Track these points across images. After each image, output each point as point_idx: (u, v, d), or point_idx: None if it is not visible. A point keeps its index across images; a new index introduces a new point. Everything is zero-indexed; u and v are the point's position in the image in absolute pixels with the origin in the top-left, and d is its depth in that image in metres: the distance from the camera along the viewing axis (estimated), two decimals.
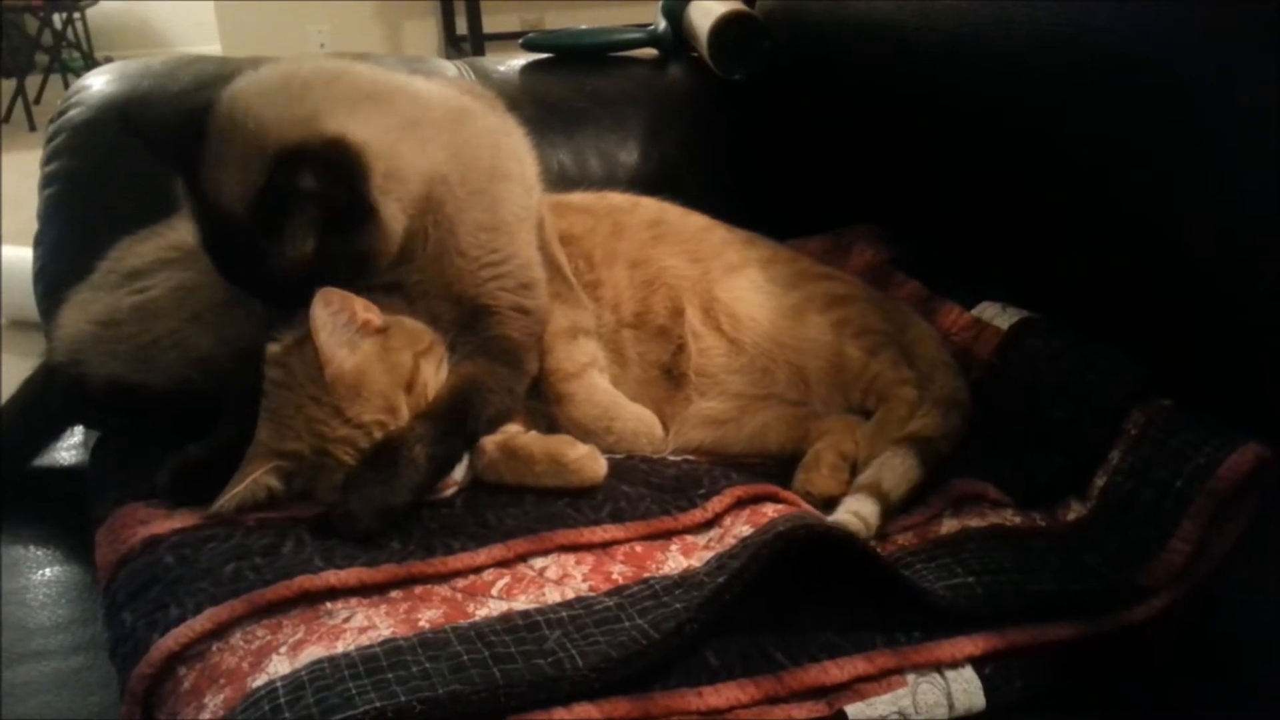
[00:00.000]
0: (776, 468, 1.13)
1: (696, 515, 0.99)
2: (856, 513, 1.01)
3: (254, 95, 1.01)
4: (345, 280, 1.00)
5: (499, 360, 1.08)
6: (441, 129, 1.09)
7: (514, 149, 1.19)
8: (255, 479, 0.97)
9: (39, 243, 1.40)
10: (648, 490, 1.03)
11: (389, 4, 5.29)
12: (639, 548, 0.95)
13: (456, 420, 1.02)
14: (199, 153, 0.99)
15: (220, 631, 0.84)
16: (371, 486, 0.96)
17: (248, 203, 0.98)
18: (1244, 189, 0.95)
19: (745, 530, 0.94)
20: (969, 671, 0.85)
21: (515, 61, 1.72)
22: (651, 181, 1.56)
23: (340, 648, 0.80)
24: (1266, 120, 0.91)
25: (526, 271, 1.13)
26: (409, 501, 0.97)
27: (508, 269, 1.11)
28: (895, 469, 1.05)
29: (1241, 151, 0.95)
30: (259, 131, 0.98)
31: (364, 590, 0.88)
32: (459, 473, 1.03)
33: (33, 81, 5.51)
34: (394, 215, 1.02)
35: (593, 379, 1.15)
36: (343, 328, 0.99)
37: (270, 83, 1.03)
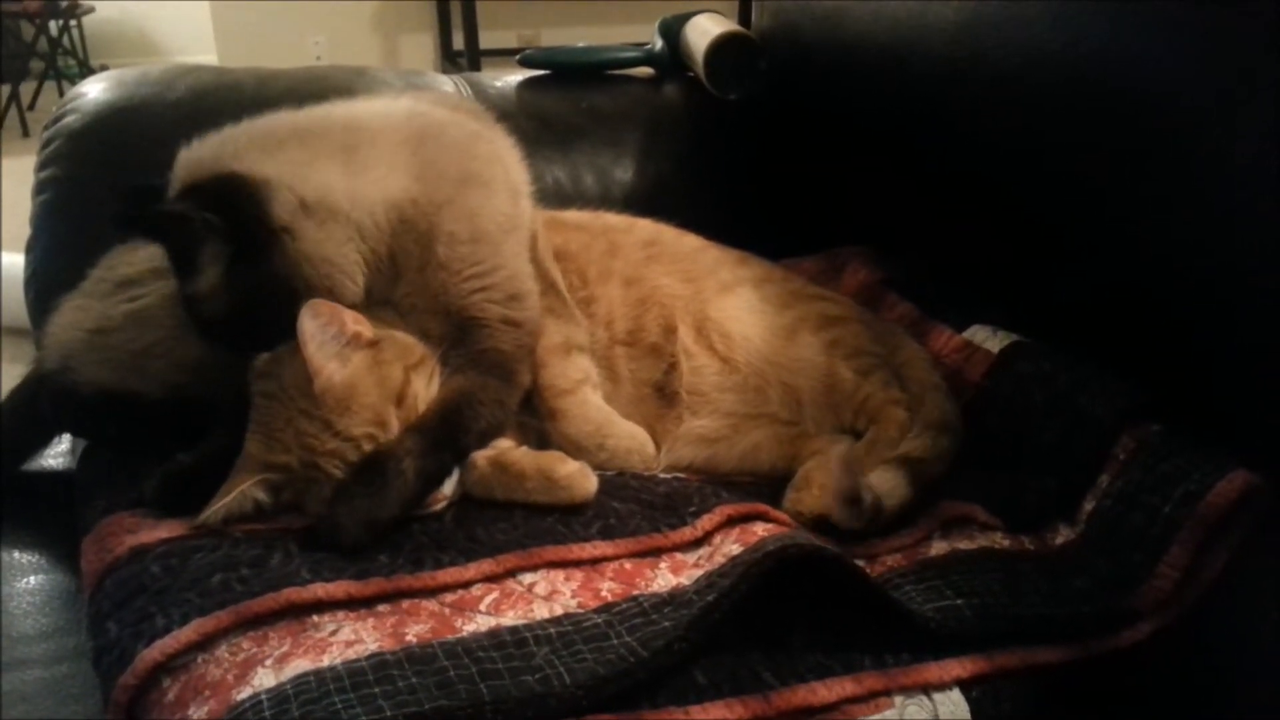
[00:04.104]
0: (767, 487, 1.13)
1: (686, 533, 0.99)
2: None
3: (185, 155, 1.04)
4: (274, 315, 0.99)
5: (490, 373, 1.07)
6: (394, 153, 1.08)
7: (494, 157, 1.18)
8: (243, 491, 0.97)
9: (31, 249, 1.39)
10: (638, 507, 1.03)
11: (386, 16, 5.30)
12: (628, 565, 0.95)
13: (446, 434, 1.01)
14: None
15: (206, 643, 0.84)
16: (359, 499, 0.95)
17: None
18: (1241, 212, 0.96)
19: (735, 549, 0.94)
20: (956, 694, 0.85)
21: (512, 77, 1.73)
22: (646, 199, 1.56)
23: (326, 661, 0.80)
24: (1265, 143, 0.92)
25: (514, 283, 1.12)
26: (397, 515, 0.97)
27: (493, 280, 1.10)
28: (881, 485, 1.05)
29: (1239, 174, 0.95)
30: (175, 185, 1.02)
31: (351, 604, 0.88)
32: (449, 487, 1.02)
33: (27, 88, 5.51)
34: (324, 241, 1.02)
35: (586, 395, 1.15)
36: (331, 340, 0.98)
37: (204, 141, 1.06)
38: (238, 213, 0.99)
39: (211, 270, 1.00)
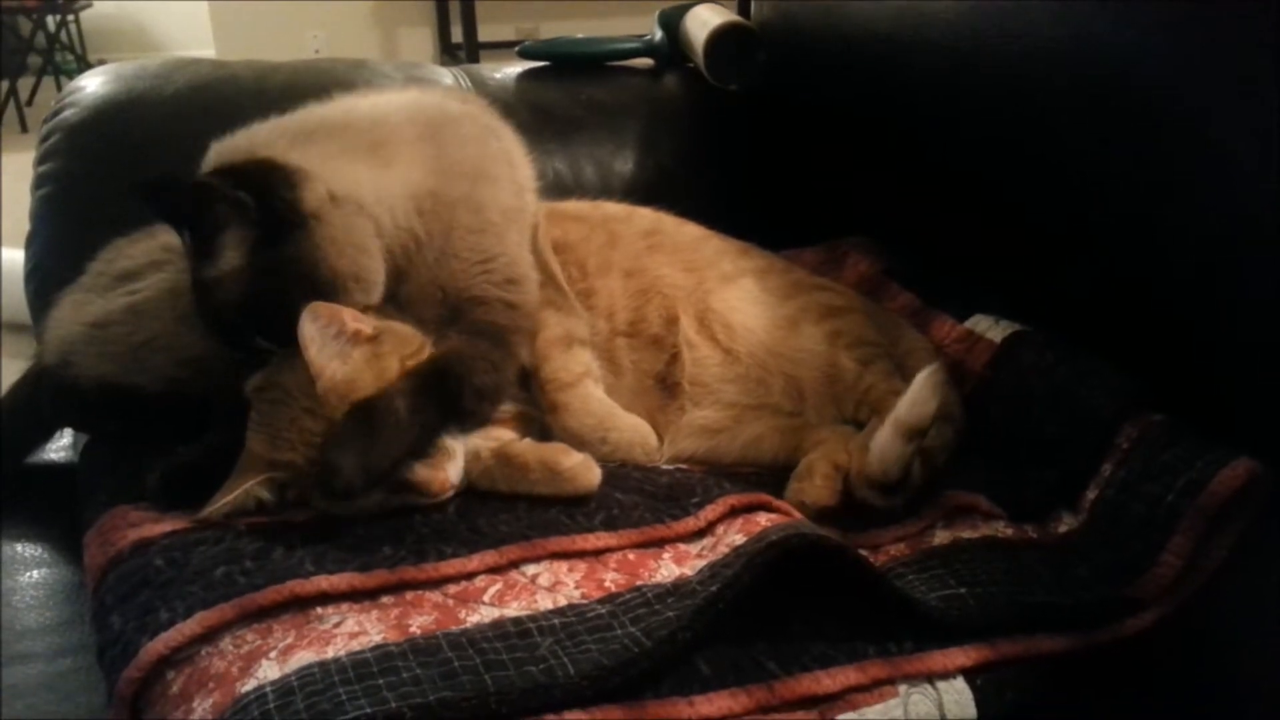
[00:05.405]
0: (769, 477, 1.13)
1: (689, 523, 0.99)
2: None
3: (217, 146, 1.04)
4: (291, 304, 0.97)
5: (483, 338, 1.07)
6: (416, 147, 1.09)
7: (502, 151, 1.19)
8: (247, 489, 0.97)
9: (31, 243, 1.39)
10: (641, 498, 1.03)
11: (385, 10, 5.30)
12: (632, 555, 0.95)
13: (437, 381, 1.00)
14: None
15: (210, 635, 0.84)
16: (354, 440, 0.94)
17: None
18: (1241, 203, 0.95)
19: (738, 539, 0.94)
20: (960, 682, 0.85)
21: (511, 69, 1.72)
22: (646, 190, 1.56)
23: (331, 653, 0.80)
24: (1268, 138, 0.92)
25: (513, 268, 1.13)
26: (393, 456, 0.95)
27: (494, 265, 1.11)
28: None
29: (1240, 166, 0.95)
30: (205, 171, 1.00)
31: (355, 595, 0.88)
32: (455, 475, 1.02)
33: (25, 83, 5.50)
34: (353, 230, 1.01)
35: (588, 388, 1.15)
36: (332, 340, 0.98)
37: (235, 135, 1.05)
38: (270, 194, 0.97)
39: (233, 252, 0.98)
